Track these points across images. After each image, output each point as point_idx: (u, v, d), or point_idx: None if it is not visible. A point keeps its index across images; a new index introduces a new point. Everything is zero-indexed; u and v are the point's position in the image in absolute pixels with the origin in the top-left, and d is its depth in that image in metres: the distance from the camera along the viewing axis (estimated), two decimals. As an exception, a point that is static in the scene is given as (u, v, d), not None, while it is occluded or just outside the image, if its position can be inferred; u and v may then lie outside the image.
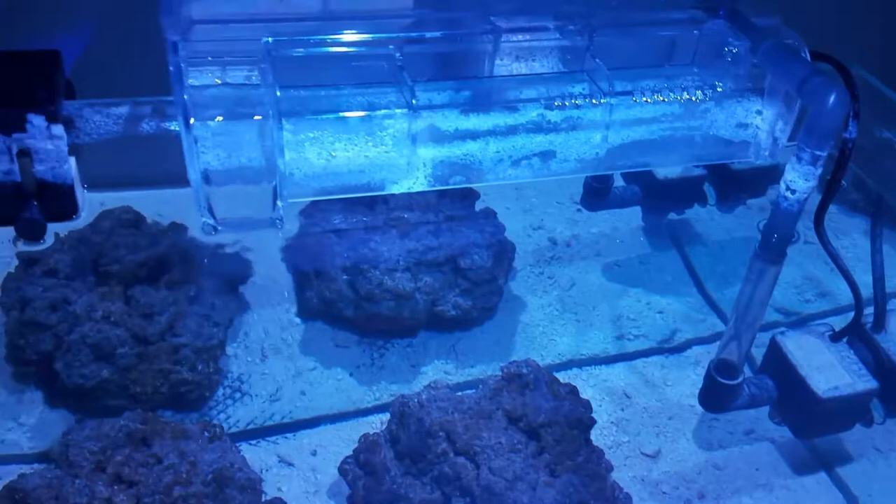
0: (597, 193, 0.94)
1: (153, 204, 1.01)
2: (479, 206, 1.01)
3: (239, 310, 1.00)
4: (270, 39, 0.59)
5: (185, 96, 0.55)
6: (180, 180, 0.64)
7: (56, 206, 0.58)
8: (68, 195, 0.58)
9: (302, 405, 0.94)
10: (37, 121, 0.54)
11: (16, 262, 0.92)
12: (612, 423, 0.89)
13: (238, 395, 0.95)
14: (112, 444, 0.77)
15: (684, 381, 0.95)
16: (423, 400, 0.79)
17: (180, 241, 0.97)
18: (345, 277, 0.95)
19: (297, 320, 1.01)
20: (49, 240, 0.60)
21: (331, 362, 0.98)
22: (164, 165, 0.61)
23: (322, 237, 1.00)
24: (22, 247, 0.59)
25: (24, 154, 0.55)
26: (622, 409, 0.91)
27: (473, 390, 0.83)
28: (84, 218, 0.64)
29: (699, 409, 0.88)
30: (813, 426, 0.82)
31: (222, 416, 0.92)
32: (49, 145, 0.55)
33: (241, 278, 1.00)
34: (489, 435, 0.73)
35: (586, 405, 0.77)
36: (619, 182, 1.00)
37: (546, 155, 0.64)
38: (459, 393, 0.80)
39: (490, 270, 0.92)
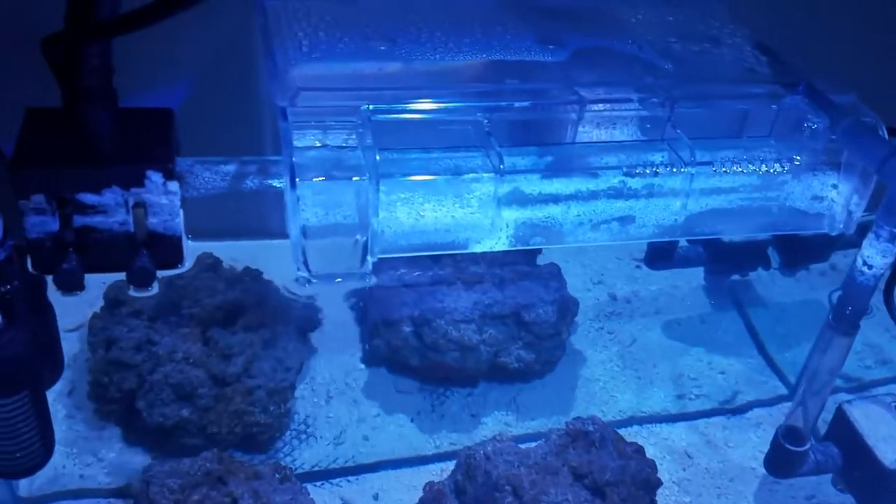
0: (662, 253, 0.95)
1: (227, 251, 1.05)
2: (540, 260, 1.04)
3: (308, 355, 1.03)
4: (370, 106, 0.63)
5: (294, 158, 0.59)
6: (252, 232, 0.68)
7: (164, 255, 0.62)
8: (176, 246, 0.62)
9: (365, 450, 0.96)
10: (155, 177, 0.58)
11: (101, 302, 0.97)
12: (673, 482, 0.89)
13: (304, 436, 0.97)
14: (191, 483, 0.80)
15: (746, 443, 0.95)
16: (490, 452, 0.80)
17: (254, 287, 1.01)
18: (411, 327, 0.98)
19: (362, 366, 1.04)
20: (156, 287, 0.63)
21: (393, 408, 1.00)
22: (237, 218, 0.65)
23: (389, 288, 1.03)
24: (133, 292, 0.62)
25: (140, 206, 0.59)
26: (683, 469, 0.92)
27: (535, 443, 0.85)
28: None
29: (760, 471, 0.89)
30: (878, 496, 0.82)
31: (288, 458, 0.94)
32: (164, 200, 0.59)
33: (311, 325, 1.03)
34: (556, 491, 0.74)
35: (652, 465, 0.78)
36: (682, 241, 1.02)
37: (625, 220, 0.67)
38: (524, 446, 0.82)
39: (554, 325, 0.94)
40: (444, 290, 0.99)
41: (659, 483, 0.77)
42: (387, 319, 1.02)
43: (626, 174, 0.66)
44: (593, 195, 0.66)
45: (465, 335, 0.95)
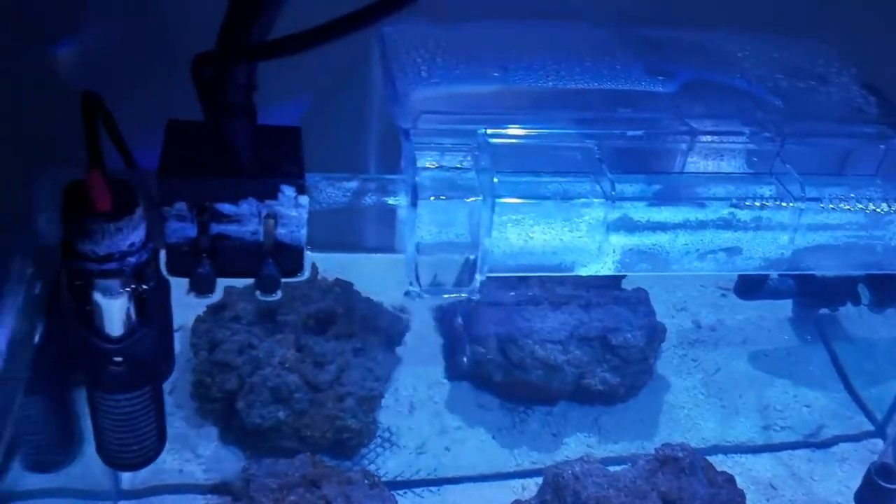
0: (752, 283, 0.96)
1: (318, 262, 1.09)
2: (624, 284, 1.05)
3: (393, 366, 1.06)
4: (486, 130, 0.66)
5: (417, 178, 0.62)
6: (342, 245, 0.71)
7: (287, 264, 0.65)
8: (299, 256, 0.65)
9: (446, 462, 0.98)
10: (288, 191, 0.61)
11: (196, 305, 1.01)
12: (758, 513, 0.90)
13: (387, 444, 1.00)
14: (288, 484, 0.83)
15: (831, 476, 0.95)
16: (578, 472, 0.82)
17: (344, 297, 1.05)
18: (496, 344, 1.00)
19: (444, 380, 1.06)
20: (279, 293, 0.67)
21: (474, 423, 1.02)
22: (330, 231, 0.68)
23: (475, 305, 1.05)
24: (260, 297, 0.66)
25: (270, 217, 0.63)
26: (767, 500, 0.92)
27: (622, 467, 0.86)
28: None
29: (847, 506, 0.89)
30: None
31: (373, 465, 0.97)
32: (293, 212, 0.62)
33: (398, 337, 1.06)
34: (646, 514, 0.75)
35: (742, 495, 0.78)
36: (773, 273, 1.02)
37: (732, 251, 0.68)
38: (612, 468, 0.83)
39: (642, 350, 0.95)
40: (530, 309, 1.01)
41: (749, 513, 0.77)
42: (472, 335, 1.04)
43: (735, 206, 0.68)
44: (702, 225, 0.67)
45: (550, 355, 0.97)
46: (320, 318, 1.01)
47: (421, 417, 1.03)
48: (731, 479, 0.80)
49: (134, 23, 0.78)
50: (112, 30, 0.77)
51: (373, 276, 1.07)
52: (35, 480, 0.67)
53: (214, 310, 0.98)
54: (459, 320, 1.06)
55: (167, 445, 0.93)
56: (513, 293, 0.99)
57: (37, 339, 0.56)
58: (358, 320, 1.03)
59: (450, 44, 0.77)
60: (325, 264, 1.10)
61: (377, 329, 1.04)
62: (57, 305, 0.62)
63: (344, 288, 1.05)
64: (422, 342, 1.09)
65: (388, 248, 0.88)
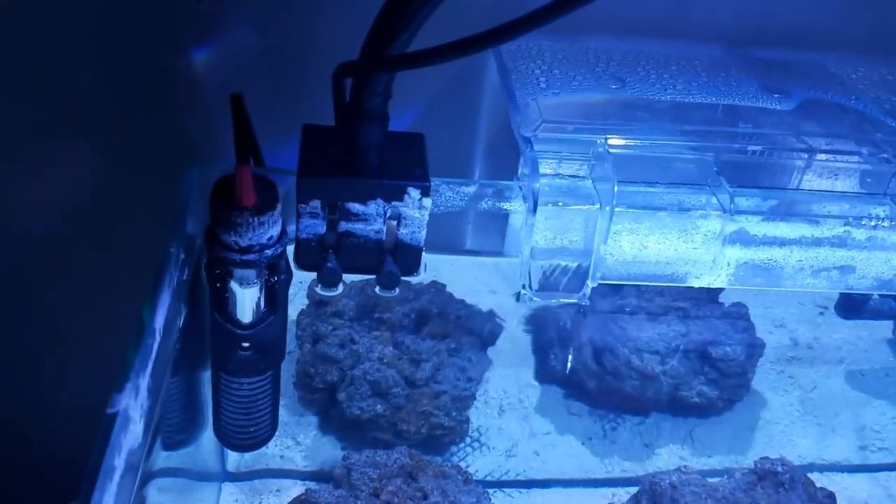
0: (854, 303, 0.95)
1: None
2: (721, 298, 1.05)
3: (485, 367, 1.08)
4: (605, 139, 0.68)
5: (537, 185, 0.64)
6: (436, 247, 0.73)
7: (405, 263, 0.68)
8: (417, 255, 0.68)
9: (535, 465, 1.00)
10: (413, 193, 0.64)
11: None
12: (854, 534, 0.89)
13: (477, 445, 1.02)
14: (387, 474, 0.86)
15: (931, 502, 0.93)
16: (675, 482, 0.82)
17: (438, 298, 1.07)
18: (591, 351, 1.01)
19: (535, 384, 1.08)
20: (397, 290, 0.70)
21: (564, 429, 1.04)
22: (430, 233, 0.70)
23: (569, 311, 1.07)
24: (379, 293, 0.69)
25: (394, 218, 0.66)
26: (864, 522, 0.91)
27: (718, 480, 0.86)
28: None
29: (948, 533, 0.87)
30: None
31: (463, 463, 0.99)
32: (416, 214, 0.65)
33: (491, 339, 1.08)
34: (745, 526, 0.76)
35: (842, 513, 0.78)
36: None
37: (845, 269, 0.68)
38: (711, 480, 0.84)
39: (741, 364, 0.95)
40: (626, 318, 1.01)
41: (850, 532, 0.77)
42: (566, 341, 1.05)
43: (849, 224, 0.68)
44: (817, 242, 0.67)
45: (647, 365, 0.97)
46: (415, 317, 1.04)
47: (511, 420, 1.04)
48: (831, 496, 0.80)
49: (267, 32, 0.82)
50: (246, 38, 0.82)
51: (466, 277, 1.10)
52: (158, 458, 0.71)
53: (317, 304, 1.02)
54: (556, 326, 1.08)
55: (273, 432, 1.00)
56: (609, 301, 1.00)
57: (180, 322, 0.61)
58: (452, 321, 1.05)
59: (566, 56, 0.79)
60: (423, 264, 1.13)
61: (471, 330, 1.06)
62: (196, 291, 0.67)
63: (438, 289, 1.08)
64: (514, 346, 1.11)
65: (489, 251, 0.91)
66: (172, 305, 0.55)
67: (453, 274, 1.12)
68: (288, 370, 1.03)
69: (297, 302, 1.06)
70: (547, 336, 1.10)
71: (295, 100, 0.82)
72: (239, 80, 0.67)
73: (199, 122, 0.82)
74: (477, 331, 1.08)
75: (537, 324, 1.13)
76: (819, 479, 0.99)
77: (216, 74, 0.82)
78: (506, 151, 0.85)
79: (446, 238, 0.75)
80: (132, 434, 0.45)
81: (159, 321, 0.51)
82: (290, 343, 1.04)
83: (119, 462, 0.43)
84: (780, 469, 0.80)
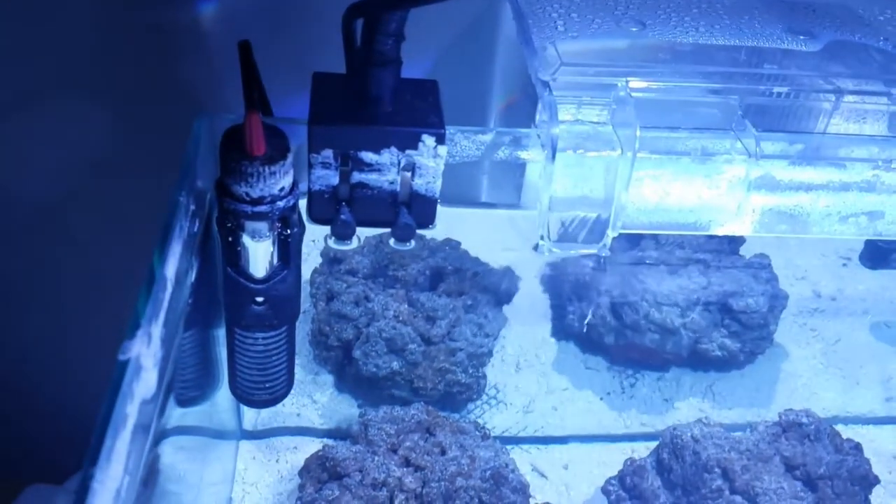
0: (880, 252, 0.93)
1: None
2: (742, 250, 1.03)
3: (502, 324, 1.07)
4: (627, 81, 0.65)
5: (555, 130, 0.62)
6: (451, 199, 0.71)
7: (420, 215, 0.66)
8: (432, 207, 0.66)
9: (553, 421, 0.99)
10: (428, 140, 0.62)
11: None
12: (880, 485, 0.87)
13: (494, 401, 1.01)
14: (404, 430, 0.86)
15: (957, 452, 0.92)
16: (697, 434, 0.81)
17: (453, 255, 1.06)
18: (609, 305, 1.00)
19: (552, 340, 1.07)
20: (413, 242, 0.68)
21: (581, 384, 1.03)
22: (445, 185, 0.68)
23: (585, 266, 1.05)
24: (395, 245, 0.67)
25: (408, 168, 0.64)
26: (889, 472, 0.90)
27: (741, 433, 0.85)
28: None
29: (976, 484, 0.86)
30: None
31: (480, 420, 0.99)
32: (431, 163, 0.63)
33: (507, 296, 1.07)
34: (770, 479, 0.74)
35: (868, 463, 0.77)
36: None
37: (874, 215, 0.66)
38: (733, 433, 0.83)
39: (764, 316, 0.93)
40: (645, 271, 1.00)
41: (877, 481, 0.76)
42: (583, 296, 1.04)
43: (879, 168, 0.65)
44: (845, 187, 0.65)
45: (667, 318, 0.96)
46: (431, 275, 1.02)
47: (528, 376, 1.04)
48: (858, 447, 0.78)
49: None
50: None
51: (481, 233, 1.08)
52: (174, 415, 0.71)
53: (331, 262, 1.01)
54: (573, 280, 1.06)
55: (288, 389, 0.99)
56: (628, 254, 0.98)
57: (193, 276, 0.59)
58: (468, 278, 1.04)
59: (584, 0, 0.77)
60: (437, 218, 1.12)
61: (486, 287, 1.05)
62: (205, 245, 0.65)
63: (453, 247, 1.06)
64: (530, 301, 1.09)
65: (505, 203, 0.88)
66: (183, 257, 0.53)
67: (468, 229, 1.10)
68: (303, 328, 1.03)
69: (310, 261, 1.05)
70: (563, 291, 1.08)
71: (304, 49, 0.80)
72: (246, 31, 0.65)
73: (207, 75, 0.81)
74: (493, 288, 1.06)
75: (554, 279, 1.11)
76: (844, 432, 0.97)
77: (222, 26, 0.80)
78: (522, 102, 0.82)
79: (461, 190, 0.73)
80: (145, 383, 0.44)
81: (170, 270, 0.50)
82: (305, 302, 1.03)
83: (132, 410, 0.42)
84: (805, 420, 0.78)
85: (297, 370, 1.01)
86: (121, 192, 0.82)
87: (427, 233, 1.09)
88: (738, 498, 0.74)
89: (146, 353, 0.44)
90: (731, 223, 0.68)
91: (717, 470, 0.76)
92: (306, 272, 1.04)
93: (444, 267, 1.04)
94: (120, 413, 0.41)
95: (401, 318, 0.96)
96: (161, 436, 0.55)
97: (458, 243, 1.08)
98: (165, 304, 0.48)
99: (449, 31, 0.87)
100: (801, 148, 0.67)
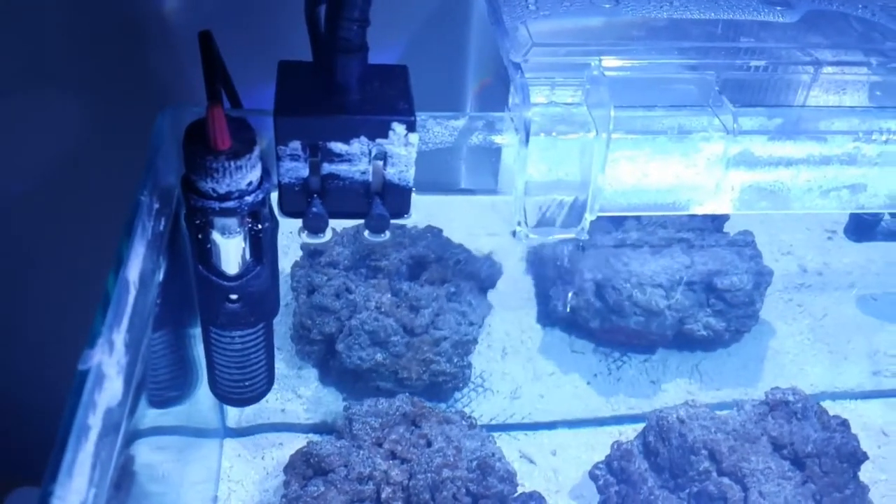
0: (865, 225, 0.92)
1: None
2: (726, 227, 1.02)
3: (486, 311, 1.06)
4: (600, 60, 0.64)
5: (528, 114, 0.61)
6: (429, 187, 0.70)
7: (394, 204, 0.65)
8: (406, 196, 0.65)
9: (540, 407, 0.98)
10: (398, 128, 0.60)
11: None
12: (868, 460, 0.87)
13: (481, 389, 1.00)
14: (389, 423, 0.85)
15: (947, 424, 0.92)
16: (683, 416, 0.80)
17: (436, 243, 1.05)
18: (594, 288, 0.99)
19: (537, 326, 1.06)
20: (388, 233, 0.67)
21: (568, 368, 1.02)
22: (422, 172, 0.67)
23: (569, 249, 1.04)
24: (369, 237, 0.66)
25: (379, 158, 0.62)
26: (878, 447, 0.89)
27: (727, 412, 0.85)
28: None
29: (965, 455, 0.85)
30: None
31: (467, 408, 0.98)
32: (403, 151, 0.61)
33: (490, 282, 1.06)
34: (757, 459, 0.74)
35: (856, 440, 0.76)
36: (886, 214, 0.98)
37: (856, 188, 0.65)
38: (720, 413, 0.82)
39: (749, 294, 0.92)
40: (628, 252, 0.99)
41: (865, 458, 0.75)
42: (567, 280, 1.03)
43: (860, 140, 0.64)
44: (825, 160, 0.64)
45: (651, 299, 0.95)
46: (413, 263, 1.01)
47: (514, 363, 1.03)
48: (845, 423, 0.78)
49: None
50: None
51: (463, 219, 1.07)
52: (152, 417, 0.70)
53: (311, 255, 1.00)
54: (554, 265, 1.05)
55: (271, 386, 0.98)
56: (610, 236, 0.97)
57: (160, 276, 0.58)
58: (451, 266, 1.02)
59: (556, -24, 0.75)
60: (415, 207, 1.10)
61: (470, 274, 1.03)
62: (174, 243, 0.64)
63: (435, 234, 1.05)
64: (514, 287, 1.08)
65: (483, 189, 0.87)
66: (148, 257, 0.52)
67: (449, 216, 1.09)
68: (285, 323, 1.01)
69: (291, 254, 1.04)
70: (548, 276, 1.07)
71: (275, 37, 0.78)
72: (213, 21, 0.64)
73: (174, 68, 0.79)
74: (476, 275, 1.05)
75: (538, 264, 1.10)
76: (832, 407, 0.97)
77: (189, 16, 0.78)
78: (496, 85, 0.81)
79: (440, 177, 0.71)
80: (109, 391, 0.43)
81: (133, 273, 0.48)
82: (287, 296, 1.02)
83: (94, 421, 0.40)
84: (791, 398, 0.78)
85: (281, 365, 1.01)
86: (91, 189, 0.80)
87: (408, 221, 1.09)
88: (725, 479, 0.73)
89: (108, 362, 0.43)
90: (710, 202, 0.67)
91: (703, 452, 0.75)
92: (287, 265, 1.03)
93: (426, 255, 1.02)
94: (81, 424, 0.39)
95: (383, 310, 0.94)
96: (132, 439, 0.54)
97: (440, 231, 1.06)
98: (129, 308, 0.47)
99: (420, 13, 0.85)
100: (780, 122, 0.66)
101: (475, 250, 1.07)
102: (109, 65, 0.80)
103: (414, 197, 0.70)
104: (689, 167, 0.65)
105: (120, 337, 0.45)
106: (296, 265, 0.99)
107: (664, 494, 0.77)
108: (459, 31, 0.85)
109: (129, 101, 0.79)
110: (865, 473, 0.89)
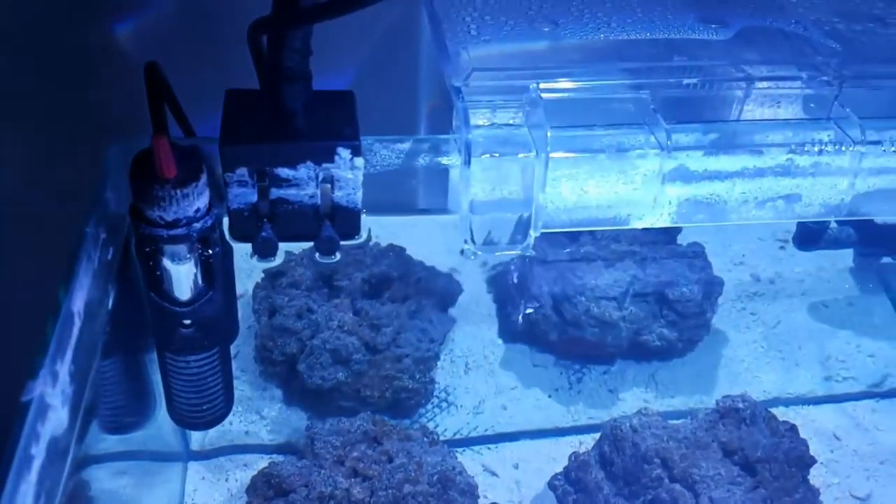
0: (812, 234, 0.94)
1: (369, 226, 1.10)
2: (680, 239, 1.04)
3: (448, 327, 1.07)
4: (538, 84, 0.66)
5: (469, 136, 0.62)
6: (392, 208, 0.71)
7: (344, 227, 0.66)
8: (355, 218, 0.66)
9: (503, 420, 1.00)
10: (343, 153, 0.62)
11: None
12: (821, 463, 0.88)
13: (445, 405, 1.01)
14: (350, 441, 0.86)
15: (897, 426, 0.94)
16: (636, 425, 0.82)
17: (398, 262, 1.06)
18: (550, 303, 1.00)
19: (499, 340, 1.07)
20: (338, 255, 0.68)
21: (530, 382, 1.03)
22: (380, 194, 0.68)
23: (527, 264, 1.06)
24: (319, 259, 0.67)
25: (327, 181, 0.64)
26: (831, 451, 0.91)
27: (680, 421, 0.86)
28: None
29: (914, 456, 0.87)
30: None
31: (431, 423, 0.99)
32: (349, 175, 0.63)
33: (451, 299, 1.07)
34: (707, 465, 0.75)
35: (805, 444, 0.78)
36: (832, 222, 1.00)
37: (791, 198, 0.67)
38: (671, 421, 0.84)
39: (699, 304, 0.94)
40: (583, 266, 1.00)
41: (813, 461, 0.77)
42: (525, 295, 1.05)
43: (793, 152, 0.66)
44: (759, 172, 0.66)
45: (605, 312, 0.96)
46: (375, 282, 1.02)
47: (477, 377, 1.04)
48: (793, 428, 0.80)
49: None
50: (169, 7, 0.79)
51: (424, 237, 1.08)
52: (110, 443, 0.70)
53: (272, 276, 1.01)
54: (512, 280, 1.07)
55: (233, 408, 0.98)
56: (566, 251, 0.99)
57: (110, 304, 0.59)
58: (412, 283, 1.04)
59: (498, 2, 0.77)
60: (375, 227, 1.11)
61: (431, 291, 1.05)
62: (127, 271, 0.65)
63: (397, 252, 1.07)
64: (475, 303, 1.10)
65: (439, 209, 0.89)
66: (95, 287, 0.53)
67: (412, 235, 1.11)
68: (249, 345, 1.02)
69: (255, 276, 1.05)
70: (508, 291, 1.09)
71: (226, 67, 0.80)
72: (166, 51, 0.65)
73: (125, 99, 0.80)
74: (437, 292, 1.07)
75: (498, 280, 1.12)
76: (785, 413, 1.00)
77: (140, 47, 0.79)
78: (443, 108, 0.82)
79: (399, 199, 0.73)
80: (53, 421, 0.44)
81: (77, 304, 0.49)
82: (249, 318, 1.03)
83: (38, 451, 0.41)
84: (741, 405, 0.80)
85: (245, 387, 1.02)
86: (42, 221, 0.81)
87: (371, 240, 1.11)
88: (677, 486, 0.75)
89: (51, 392, 0.44)
90: (649, 216, 0.69)
91: (656, 460, 0.77)
92: (250, 287, 1.04)
93: (388, 274, 1.04)
94: (23, 455, 0.40)
95: (345, 329, 0.96)
96: (85, 465, 0.55)
97: (403, 249, 1.08)
98: (74, 338, 0.48)
99: (371, 38, 0.87)
100: (715, 137, 0.68)
101: (437, 268, 1.09)
102: (61, 96, 0.81)
103: (376, 218, 0.71)
104: (626, 183, 0.67)
105: (64, 367, 0.46)
106: (257, 287, 1.00)
107: (619, 502, 0.79)
108: (411, 55, 0.87)
109: (80, 132, 0.80)
110: (818, 477, 0.91)
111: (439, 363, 1.03)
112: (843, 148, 0.66)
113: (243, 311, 1.03)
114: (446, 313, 1.06)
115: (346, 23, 0.63)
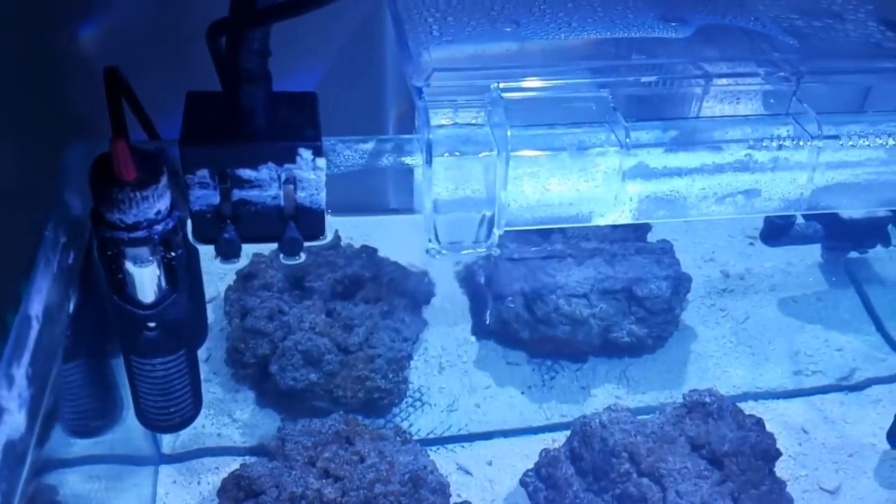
0: (778, 230, 0.95)
1: (342, 228, 1.10)
2: (650, 236, 1.05)
3: (421, 327, 1.08)
4: (499, 84, 0.66)
5: (430, 136, 0.63)
6: (363, 208, 0.72)
7: (308, 228, 0.66)
8: (319, 219, 0.66)
9: (477, 418, 1.00)
10: (305, 154, 0.62)
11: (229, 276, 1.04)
12: (789, 457, 0.90)
13: (418, 404, 1.02)
14: (322, 441, 0.86)
15: (865, 419, 0.95)
16: (605, 421, 0.83)
17: (370, 262, 1.06)
18: (522, 301, 1.01)
19: (472, 339, 1.08)
20: (303, 256, 0.68)
21: (503, 380, 1.04)
22: (349, 194, 0.68)
23: (499, 263, 1.06)
24: (284, 260, 0.67)
25: (290, 182, 0.64)
26: (800, 444, 0.92)
27: (649, 416, 0.87)
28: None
29: (881, 447, 0.88)
30: None
31: (405, 423, 0.99)
32: (312, 175, 0.63)
33: (425, 298, 1.08)
34: (674, 459, 0.76)
35: (771, 437, 0.79)
36: (800, 218, 1.01)
37: (750, 193, 0.68)
38: (640, 417, 0.84)
39: (668, 300, 0.95)
40: (554, 264, 1.01)
41: (778, 454, 0.78)
42: (497, 293, 1.05)
43: (751, 147, 0.67)
44: (719, 168, 0.67)
45: (576, 309, 0.97)
46: (348, 283, 1.03)
47: (450, 376, 1.04)
48: (759, 422, 0.80)
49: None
50: (130, 8, 0.79)
51: (395, 237, 1.09)
52: (78, 447, 0.70)
53: (244, 278, 1.01)
54: (480, 279, 1.08)
55: (205, 411, 0.98)
56: (535, 249, 0.99)
57: (71, 307, 0.59)
58: (385, 284, 1.04)
59: (461, 2, 0.77)
60: (348, 228, 1.12)
61: (404, 291, 1.05)
62: (89, 275, 0.65)
63: (369, 253, 1.07)
64: (448, 303, 1.10)
65: (409, 208, 0.89)
66: (55, 291, 0.53)
67: (384, 235, 1.11)
68: (221, 347, 1.02)
69: (227, 278, 1.05)
70: (480, 290, 1.09)
71: (193, 70, 0.80)
72: (129, 55, 0.65)
73: (90, 102, 0.80)
74: (410, 292, 1.07)
75: (471, 279, 1.13)
76: (754, 407, 1.01)
77: (104, 51, 0.79)
78: (410, 108, 0.83)
79: (370, 199, 0.73)
80: (9, 425, 0.44)
81: (35, 308, 0.49)
82: (222, 320, 1.03)
83: (-8, 455, 0.41)
84: (707, 400, 0.80)
85: (217, 389, 1.02)
86: (2, 225, 0.81)
87: (343, 241, 1.11)
88: (644, 480, 0.75)
89: (7, 396, 0.44)
90: (611, 213, 0.69)
91: (624, 454, 0.78)
92: (223, 289, 1.03)
93: (361, 274, 1.04)
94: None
95: (317, 330, 0.96)
96: (48, 469, 0.55)
97: (375, 250, 1.08)
98: (31, 341, 0.48)
99: (338, 39, 0.87)
100: (675, 134, 0.69)
101: (410, 267, 1.09)
102: (26, 100, 0.81)
103: (349, 219, 0.71)
104: (588, 181, 0.68)
105: (21, 371, 0.46)
106: (229, 289, 1.00)
107: (589, 497, 0.79)
108: (376, 58, 0.88)
109: (46, 136, 0.80)
110: (787, 470, 0.92)
111: (413, 363, 1.04)
112: (802, 143, 0.67)
113: (216, 314, 1.03)
114: (420, 313, 1.07)
115: (310, 25, 0.63)
